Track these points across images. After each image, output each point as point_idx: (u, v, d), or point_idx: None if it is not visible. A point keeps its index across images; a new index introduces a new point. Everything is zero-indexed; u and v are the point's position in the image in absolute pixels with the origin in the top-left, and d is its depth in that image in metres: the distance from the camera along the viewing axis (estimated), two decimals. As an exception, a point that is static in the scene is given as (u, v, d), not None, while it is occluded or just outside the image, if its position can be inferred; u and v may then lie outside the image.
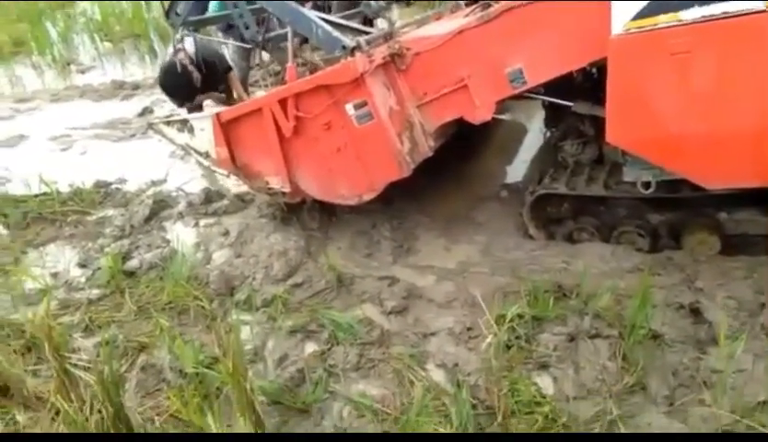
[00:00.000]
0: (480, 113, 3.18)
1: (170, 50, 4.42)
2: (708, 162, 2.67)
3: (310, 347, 2.85)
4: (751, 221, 3.03)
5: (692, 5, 2.42)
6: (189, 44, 4.37)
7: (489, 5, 3.72)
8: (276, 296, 3.14)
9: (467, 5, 4.34)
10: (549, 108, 3.77)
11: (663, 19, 2.46)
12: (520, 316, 2.72)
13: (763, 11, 2.30)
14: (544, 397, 2.39)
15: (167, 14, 3.76)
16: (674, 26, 2.45)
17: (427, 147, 3.27)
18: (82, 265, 3.71)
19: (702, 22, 2.40)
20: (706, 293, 2.74)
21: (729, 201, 3.02)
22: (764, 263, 2.87)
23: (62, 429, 2.32)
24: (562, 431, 2.23)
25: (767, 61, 2.37)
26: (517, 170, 4.37)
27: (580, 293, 2.85)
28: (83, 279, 3.58)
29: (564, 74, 3.03)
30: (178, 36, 4.38)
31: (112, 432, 2.28)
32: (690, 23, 2.42)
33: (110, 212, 4.28)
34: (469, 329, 2.78)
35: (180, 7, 3.66)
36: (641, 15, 2.53)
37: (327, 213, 3.80)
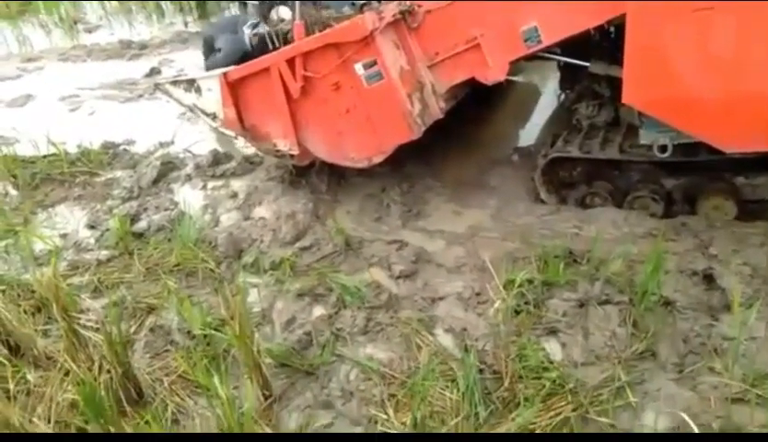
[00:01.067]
0: (493, 74, 3.09)
1: (246, 32, 4.39)
2: (728, 125, 2.59)
3: (318, 311, 2.85)
4: (769, 186, 2.96)
5: None
6: (263, 28, 4.41)
7: (504, -40, 3.60)
8: (284, 258, 3.13)
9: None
10: (564, 69, 3.66)
11: (686, -26, 2.35)
12: (530, 281, 2.69)
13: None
14: (552, 362, 2.37)
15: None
16: (698, -20, 2.34)
17: (438, 109, 3.20)
18: (91, 226, 3.72)
19: (727, -24, 2.29)
20: (720, 259, 2.69)
21: (747, 165, 2.94)
22: (782, 230, 2.81)
23: (71, 389, 2.34)
24: (569, 396, 2.22)
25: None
26: (529, 134, 4.30)
27: (591, 258, 2.81)
28: (92, 240, 3.59)
29: (580, 32, 2.92)
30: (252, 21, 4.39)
31: (121, 393, 2.31)
32: (715, -23, 2.31)
33: (119, 173, 4.27)
34: (477, 294, 2.76)
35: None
36: None
37: (336, 175, 3.76)
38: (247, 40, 4.45)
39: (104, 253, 3.44)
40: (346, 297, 2.85)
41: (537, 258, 2.84)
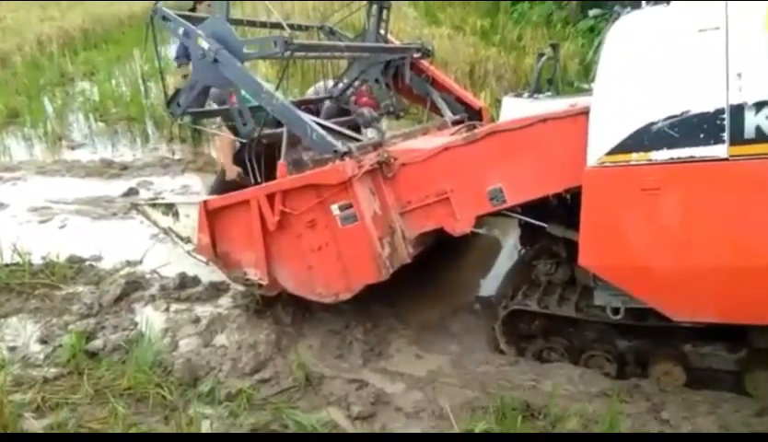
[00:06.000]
0: (460, 226, 3.30)
1: None
2: (674, 295, 2.78)
3: (270, 449, 2.75)
4: (716, 356, 3.11)
5: None
6: None
7: (474, 126, 3.99)
8: (241, 390, 3.06)
9: (453, 123, 4.63)
10: (524, 226, 3.91)
11: (635, 157, 2.66)
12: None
13: (725, 159, 2.51)
14: None
15: (168, 103, 3.91)
16: (645, 164, 2.64)
17: (407, 254, 3.35)
18: (43, 341, 3.59)
19: (669, 163, 2.59)
20: (672, 425, 2.75)
21: (695, 334, 3.10)
22: (728, 400, 2.92)
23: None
24: None
25: (728, 204, 2.55)
26: (490, 284, 4.46)
27: (548, 414, 2.84)
28: (41, 356, 3.44)
29: (540, 196, 3.19)
30: None
31: None
32: (659, 163, 2.62)
33: (81, 288, 4.20)
34: (435, 442, 2.73)
35: (182, 99, 3.82)
36: None
37: (301, 309, 3.79)
38: None
39: (52, 371, 3.29)
40: (301, 436, 2.78)
41: (495, 409, 2.85)
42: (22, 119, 8.53)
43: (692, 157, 2.57)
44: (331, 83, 5.19)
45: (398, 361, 3.46)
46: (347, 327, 3.67)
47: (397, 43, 5.16)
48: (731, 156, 2.50)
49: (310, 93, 5.57)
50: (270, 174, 3.75)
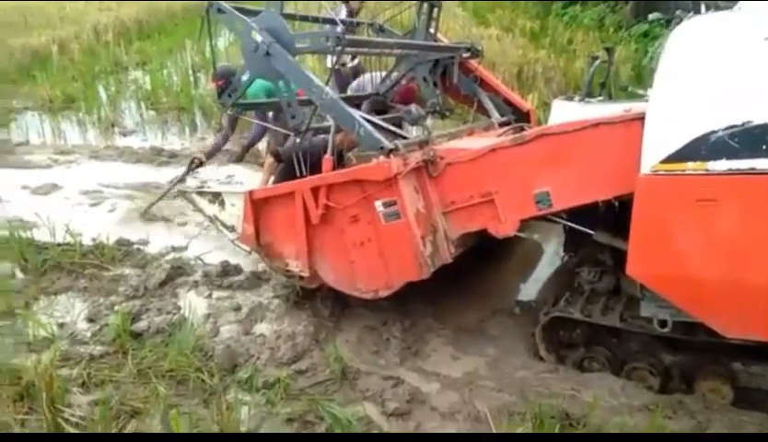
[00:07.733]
0: (503, 228, 3.25)
1: None
2: (728, 310, 2.67)
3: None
4: (766, 376, 2.99)
5: None
6: None
7: (522, 129, 3.93)
8: (279, 379, 3.10)
9: (500, 125, 4.58)
10: (569, 232, 3.84)
11: (691, 166, 2.57)
12: (525, 438, 2.65)
13: (790, 172, 2.40)
14: None
15: (219, 94, 3.98)
16: (701, 174, 2.55)
17: (448, 253, 3.33)
18: (90, 320, 3.71)
19: (728, 175, 2.50)
20: (717, 444, 2.67)
21: (746, 352, 2.99)
22: (777, 422, 2.81)
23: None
24: None
25: (790, 219, 2.45)
26: (530, 289, 4.40)
27: (587, 425, 2.78)
28: (88, 334, 3.57)
29: (588, 202, 3.12)
30: None
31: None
32: (716, 174, 2.52)
33: (128, 271, 4.32)
34: (470, 445, 2.71)
35: (235, 91, 3.87)
36: None
37: (340, 303, 3.81)
38: None
39: (98, 349, 3.40)
40: (336, 429, 2.79)
41: (533, 415, 2.81)
42: (77, 104, 8.84)
43: (752, 168, 2.46)
44: (376, 77, 5.19)
45: (434, 361, 3.44)
46: (385, 324, 3.68)
47: (446, 42, 5.13)
48: (795, 169, 2.40)
49: (353, 88, 5.59)
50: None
